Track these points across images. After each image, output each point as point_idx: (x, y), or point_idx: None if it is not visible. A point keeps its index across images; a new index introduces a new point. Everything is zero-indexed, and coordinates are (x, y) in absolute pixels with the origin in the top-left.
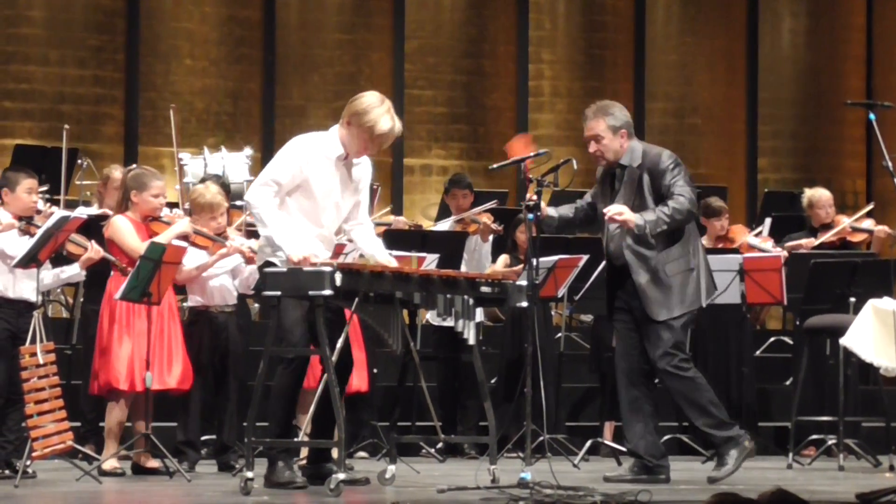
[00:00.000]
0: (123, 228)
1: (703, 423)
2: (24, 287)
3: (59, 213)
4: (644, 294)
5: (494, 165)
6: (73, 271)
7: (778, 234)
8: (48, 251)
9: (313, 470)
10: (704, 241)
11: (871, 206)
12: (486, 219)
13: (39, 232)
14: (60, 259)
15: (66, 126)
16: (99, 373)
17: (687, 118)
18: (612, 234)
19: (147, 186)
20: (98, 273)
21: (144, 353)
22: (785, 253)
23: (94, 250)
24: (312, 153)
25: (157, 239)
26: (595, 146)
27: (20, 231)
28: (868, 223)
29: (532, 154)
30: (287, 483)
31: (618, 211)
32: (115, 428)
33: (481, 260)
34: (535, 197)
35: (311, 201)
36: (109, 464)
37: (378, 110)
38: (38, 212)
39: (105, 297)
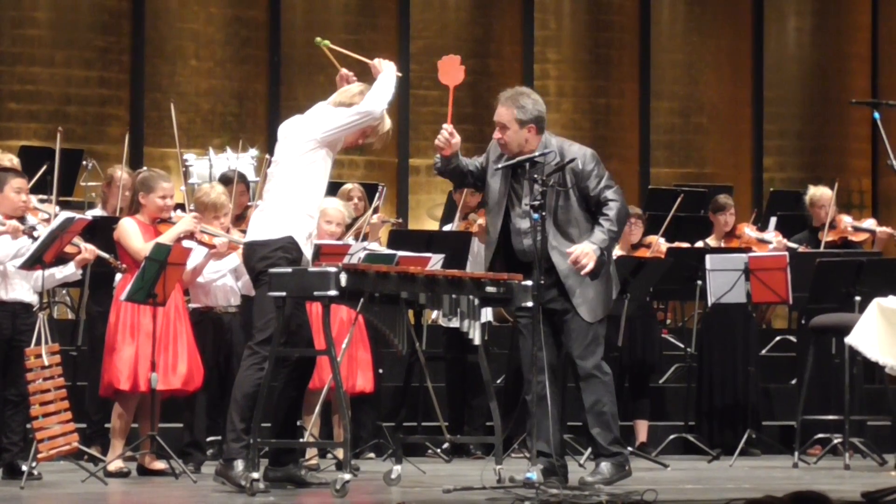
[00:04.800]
0: (129, 230)
1: (597, 433)
2: (19, 288)
3: (63, 214)
4: (574, 295)
5: (500, 165)
6: (69, 271)
7: (783, 234)
8: (53, 253)
9: (279, 472)
10: (711, 240)
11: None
12: (483, 220)
13: (45, 233)
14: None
15: (60, 128)
16: (103, 373)
17: (693, 117)
18: (526, 231)
19: (154, 188)
20: (103, 274)
21: (149, 354)
22: (786, 242)
23: (89, 250)
24: None
25: (160, 238)
26: (499, 134)
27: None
28: (870, 223)
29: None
30: (239, 485)
31: (583, 258)
32: (120, 429)
33: (483, 263)
34: (539, 197)
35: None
36: (115, 465)
37: (385, 121)
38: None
39: (114, 298)
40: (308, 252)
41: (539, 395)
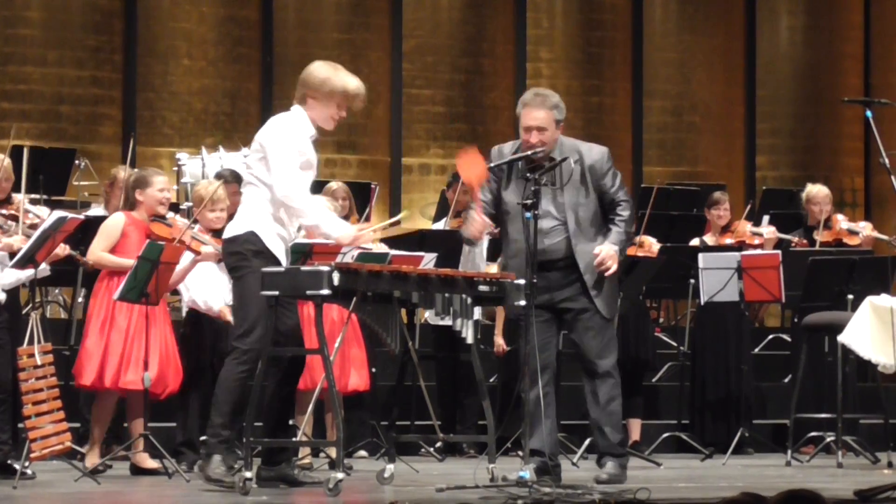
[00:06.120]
0: (105, 229)
1: (609, 432)
2: None
3: (56, 213)
4: (594, 291)
5: (493, 164)
6: (39, 267)
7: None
8: (45, 252)
9: (272, 472)
10: (707, 236)
11: None
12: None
13: (37, 233)
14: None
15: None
16: (76, 366)
17: (685, 116)
18: (547, 230)
19: (151, 183)
20: (96, 273)
21: (119, 352)
22: (779, 235)
23: (60, 247)
24: (301, 130)
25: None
26: (538, 136)
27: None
28: (864, 225)
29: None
30: (216, 480)
31: (608, 260)
32: (95, 424)
33: (475, 261)
34: (532, 196)
35: (310, 175)
36: (90, 460)
37: (340, 73)
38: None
39: (93, 293)
40: (282, 255)
41: (536, 395)
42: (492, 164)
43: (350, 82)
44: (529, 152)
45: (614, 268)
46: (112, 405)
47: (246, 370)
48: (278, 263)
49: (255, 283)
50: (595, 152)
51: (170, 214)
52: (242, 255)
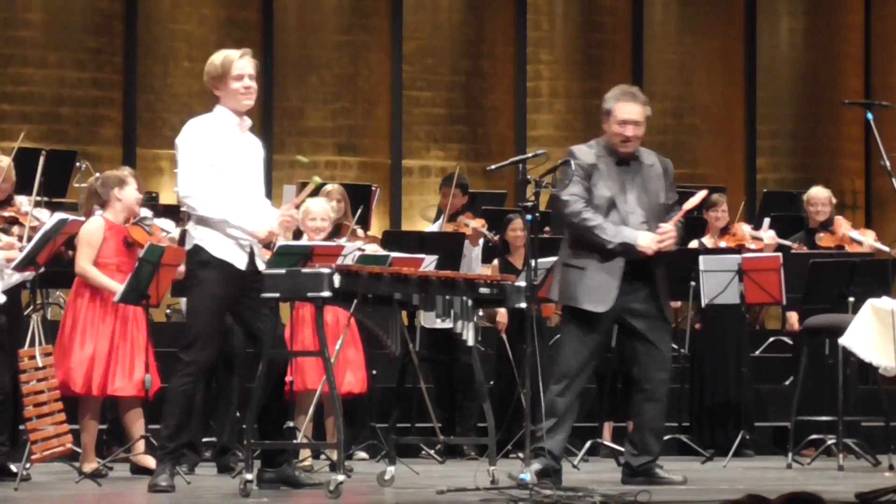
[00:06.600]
0: (88, 235)
1: (660, 438)
2: None
3: (57, 215)
4: (660, 290)
5: (493, 166)
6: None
7: (777, 234)
8: (47, 254)
9: (273, 473)
10: (706, 238)
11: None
12: (476, 223)
13: (38, 234)
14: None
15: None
16: (57, 373)
17: (685, 118)
18: (636, 227)
19: (127, 182)
20: None
21: (105, 358)
22: (779, 240)
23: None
24: (212, 126)
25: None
26: (633, 131)
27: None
28: (864, 234)
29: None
30: (152, 486)
31: (669, 238)
32: (85, 431)
33: (471, 265)
34: (533, 198)
35: (235, 173)
36: (87, 466)
37: (216, 55)
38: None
39: (70, 299)
40: (237, 258)
41: (568, 400)
42: (492, 167)
43: (216, 58)
44: (529, 156)
45: (671, 244)
46: (97, 410)
47: (188, 381)
48: (233, 268)
49: (199, 296)
50: (666, 159)
51: (151, 221)
52: (190, 269)
